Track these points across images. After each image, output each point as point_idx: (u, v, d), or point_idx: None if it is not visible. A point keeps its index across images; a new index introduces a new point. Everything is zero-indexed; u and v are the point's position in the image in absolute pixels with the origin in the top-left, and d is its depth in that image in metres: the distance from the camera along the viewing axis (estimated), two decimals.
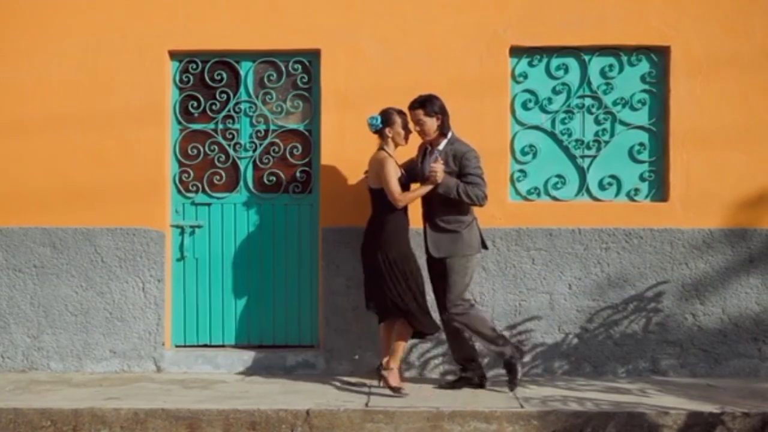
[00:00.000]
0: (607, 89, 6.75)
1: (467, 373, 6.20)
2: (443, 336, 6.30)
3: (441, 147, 6.06)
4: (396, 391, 5.92)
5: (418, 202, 6.12)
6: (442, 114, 6.04)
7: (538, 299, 6.64)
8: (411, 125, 6.10)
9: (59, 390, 6.10)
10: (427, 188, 5.97)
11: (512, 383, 6.05)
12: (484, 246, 6.22)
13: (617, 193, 6.74)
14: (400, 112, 6.08)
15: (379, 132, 6.09)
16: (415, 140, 6.18)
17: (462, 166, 5.97)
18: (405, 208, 6.07)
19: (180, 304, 6.84)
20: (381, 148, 6.08)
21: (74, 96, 6.71)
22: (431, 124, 6.04)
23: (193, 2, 6.73)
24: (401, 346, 6.03)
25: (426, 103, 6.02)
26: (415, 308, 5.96)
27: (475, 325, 6.03)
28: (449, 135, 6.09)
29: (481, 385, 6.16)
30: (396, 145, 6.11)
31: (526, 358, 6.59)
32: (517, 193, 6.75)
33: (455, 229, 6.01)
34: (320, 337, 6.70)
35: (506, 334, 6.58)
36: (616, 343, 6.61)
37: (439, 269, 6.08)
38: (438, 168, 5.93)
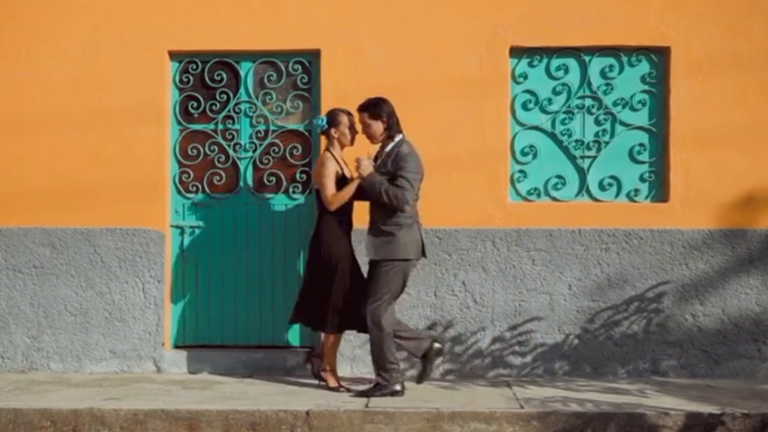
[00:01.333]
0: (607, 90, 6.75)
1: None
2: (444, 335, 6.29)
3: (388, 149, 5.98)
4: (336, 390, 6.04)
5: (366, 205, 6.04)
6: (388, 117, 5.95)
7: (538, 300, 6.63)
8: (358, 127, 6.09)
9: (59, 390, 6.10)
10: (354, 184, 5.93)
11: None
12: (424, 254, 6.04)
13: (617, 194, 6.74)
14: (348, 113, 6.10)
15: (325, 133, 6.13)
16: (362, 142, 6.11)
17: (397, 167, 5.85)
18: (349, 211, 6.09)
19: (180, 304, 6.84)
20: (326, 149, 6.12)
21: (74, 96, 6.71)
22: (377, 127, 5.97)
23: (193, 2, 6.73)
24: (333, 349, 6.16)
25: (371, 107, 5.98)
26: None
27: (381, 340, 5.88)
28: (397, 138, 5.98)
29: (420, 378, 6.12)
30: (342, 146, 6.12)
31: (527, 359, 6.60)
32: (517, 193, 6.74)
33: (390, 231, 5.87)
34: (320, 337, 6.69)
35: (507, 335, 6.60)
36: (616, 344, 6.61)
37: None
38: (364, 162, 5.87)
